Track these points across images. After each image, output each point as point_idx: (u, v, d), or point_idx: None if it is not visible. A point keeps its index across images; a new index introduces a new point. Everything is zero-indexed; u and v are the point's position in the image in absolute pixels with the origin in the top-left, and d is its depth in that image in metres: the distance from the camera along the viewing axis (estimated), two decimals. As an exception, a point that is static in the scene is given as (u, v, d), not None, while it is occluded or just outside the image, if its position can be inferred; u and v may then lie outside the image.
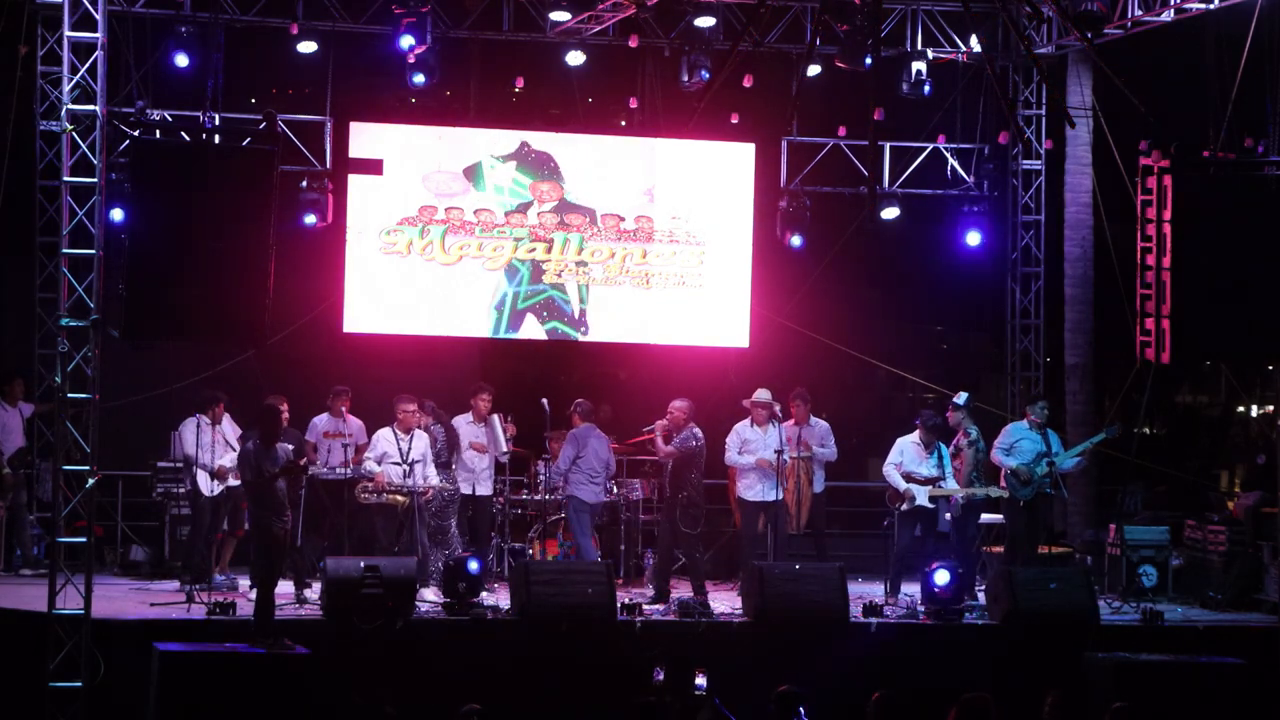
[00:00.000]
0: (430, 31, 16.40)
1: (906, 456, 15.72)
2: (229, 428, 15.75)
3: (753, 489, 15.73)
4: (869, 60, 14.58)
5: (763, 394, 15.77)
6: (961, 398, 16.08)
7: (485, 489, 15.66)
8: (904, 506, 15.59)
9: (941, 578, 14.47)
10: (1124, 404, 17.45)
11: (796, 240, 18.20)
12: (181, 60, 16.16)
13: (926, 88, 17.30)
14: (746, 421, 15.81)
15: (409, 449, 15.14)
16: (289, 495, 13.72)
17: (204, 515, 15.46)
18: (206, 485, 15.45)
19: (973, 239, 18.42)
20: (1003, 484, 15.69)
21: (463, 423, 15.67)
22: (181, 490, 15.82)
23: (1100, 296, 18.13)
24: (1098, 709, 12.31)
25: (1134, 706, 11.00)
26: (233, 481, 15.44)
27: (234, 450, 15.49)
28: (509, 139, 17.86)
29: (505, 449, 15.71)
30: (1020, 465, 15.47)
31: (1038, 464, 15.46)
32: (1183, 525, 16.78)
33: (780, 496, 15.56)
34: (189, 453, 15.53)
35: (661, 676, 12.51)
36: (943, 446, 15.77)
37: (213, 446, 15.44)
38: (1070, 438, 17.15)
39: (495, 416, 15.73)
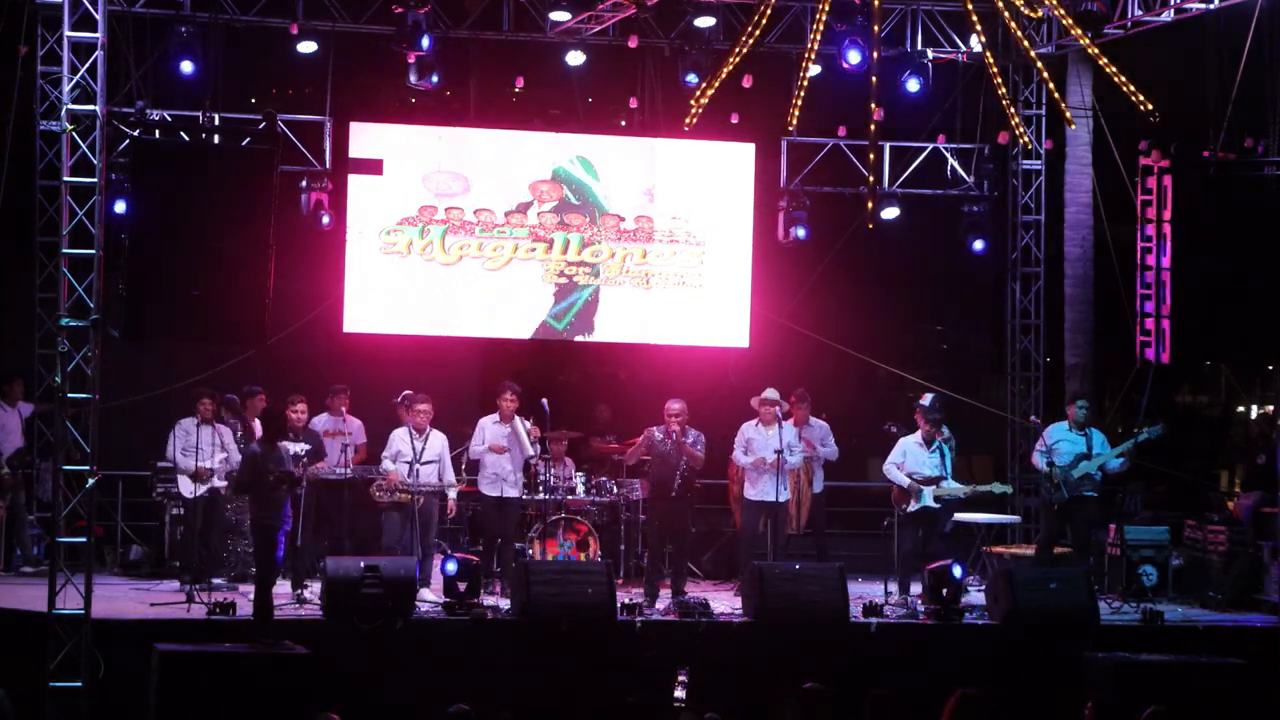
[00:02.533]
0: (430, 31, 16.39)
1: (910, 456, 15.70)
2: (225, 428, 15.75)
3: (755, 488, 15.73)
4: (861, 57, 14.57)
5: (770, 393, 15.75)
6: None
7: (513, 491, 15.54)
8: (909, 507, 15.56)
9: (955, 572, 14.46)
10: (1124, 404, 17.44)
11: (801, 232, 18.17)
12: (182, 61, 16.14)
13: (915, 83, 17.26)
14: (753, 421, 15.79)
15: (422, 449, 15.17)
16: (289, 496, 13.71)
17: (194, 516, 15.46)
18: (187, 488, 15.46)
19: (973, 244, 18.43)
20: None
21: (488, 424, 15.57)
22: (176, 491, 15.81)
23: (1100, 296, 18.13)
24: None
25: (1169, 710, 10.93)
26: (217, 483, 15.46)
27: (226, 451, 15.50)
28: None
29: (531, 451, 15.57)
30: (1054, 468, 15.45)
31: (1074, 466, 15.40)
32: (1183, 525, 16.77)
33: (785, 497, 15.53)
34: (168, 456, 15.55)
35: (684, 679, 12.48)
36: (944, 446, 15.75)
37: (210, 446, 15.44)
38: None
39: (519, 418, 15.61)
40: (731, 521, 16.65)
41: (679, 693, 12.06)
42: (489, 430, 15.52)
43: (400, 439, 15.31)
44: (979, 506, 16.99)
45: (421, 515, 15.09)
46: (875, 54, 14.28)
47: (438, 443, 15.37)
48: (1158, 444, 16.09)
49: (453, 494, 15.47)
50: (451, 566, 14.03)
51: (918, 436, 15.75)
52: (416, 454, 15.18)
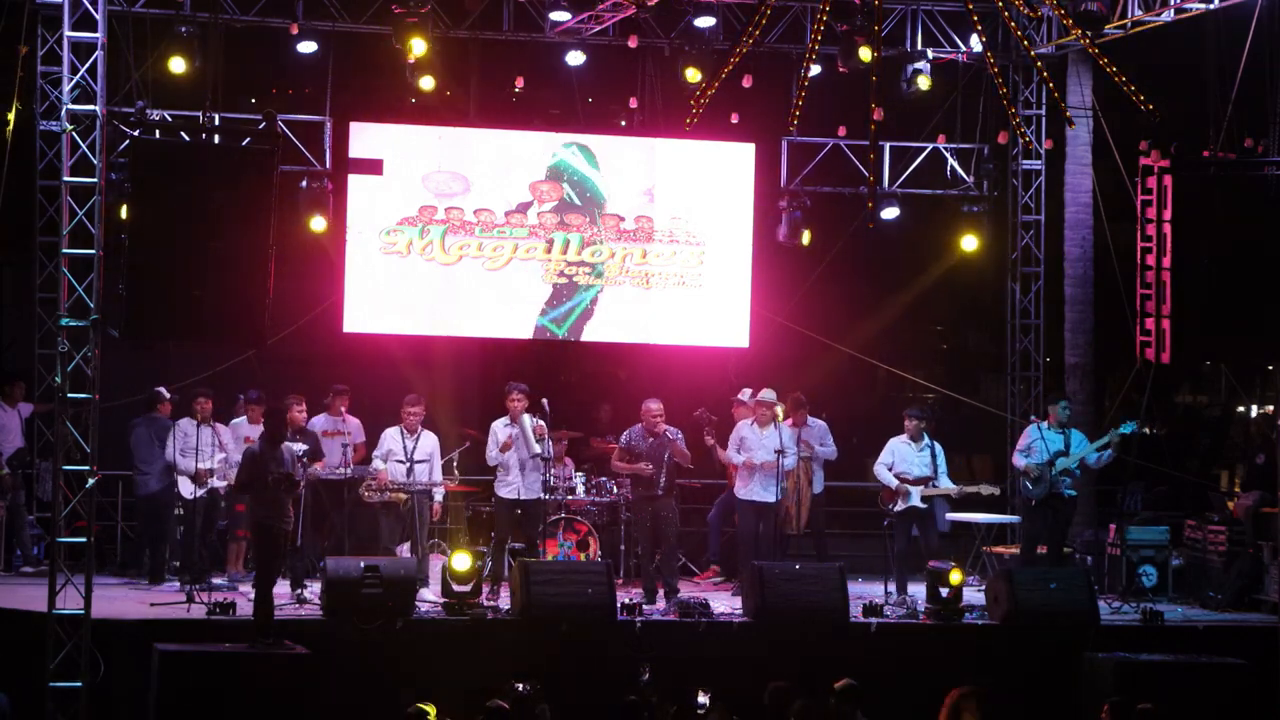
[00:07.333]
0: (430, 32, 16.37)
1: (897, 457, 15.73)
2: (224, 427, 15.75)
3: (747, 489, 15.72)
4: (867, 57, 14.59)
5: (767, 394, 15.74)
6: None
7: (528, 494, 15.25)
8: (897, 506, 15.56)
9: (955, 577, 14.47)
10: (1124, 404, 17.43)
11: (806, 238, 18.15)
12: (181, 61, 16.13)
13: (923, 83, 17.24)
14: (748, 420, 15.79)
15: (414, 448, 15.15)
16: (290, 498, 13.71)
17: (193, 517, 15.45)
18: (187, 489, 15.45)
19: (973, 240, 18.40)
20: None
21: (499, 426, 15.38)
22: (176, 491, 15.79)
23: (1100, 296, 18.12)
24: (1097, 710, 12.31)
25: (1159, 708, 10.96)
26: (215, 483, 15.45)
27: (224, 451, 15.50)
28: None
29: (536, 448, 15.27)
30: (1030, 464, 15.44)
31: (1052, 463, 15.39)
32: (1183, 525, 16.78)
33: (778, 497, 15.53)
34: (168, 458, 15.54)
35: (647, 677, 12.51)
36: (937, 446, 15.74)
37: (209, 447, 15.43)
38: (1071, 438, 17.14)
39: (526, 417, 15.32)
40: (732, 521, 16.64)
41: (702, 699, 12.07)
42: (500, 433, 15.39)
43: (391, 438, 15.28)
44: (976, 506, 16.99)
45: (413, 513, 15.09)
46: (876, 54, 14.28)
47: (429, 443, 15.32)
48: (1131, 439, 16.02)
49: (439, 495, 15.42)
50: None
51: (905, 437, 15.77)
52: (408, 453, 15.15)
